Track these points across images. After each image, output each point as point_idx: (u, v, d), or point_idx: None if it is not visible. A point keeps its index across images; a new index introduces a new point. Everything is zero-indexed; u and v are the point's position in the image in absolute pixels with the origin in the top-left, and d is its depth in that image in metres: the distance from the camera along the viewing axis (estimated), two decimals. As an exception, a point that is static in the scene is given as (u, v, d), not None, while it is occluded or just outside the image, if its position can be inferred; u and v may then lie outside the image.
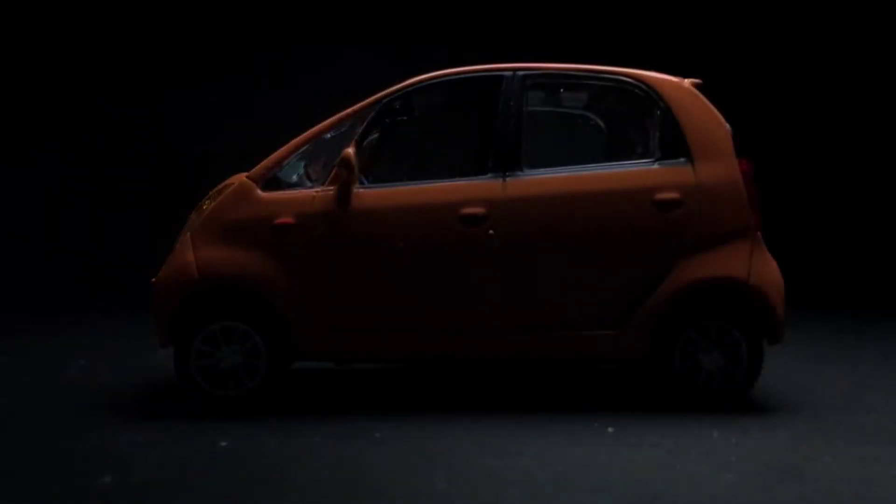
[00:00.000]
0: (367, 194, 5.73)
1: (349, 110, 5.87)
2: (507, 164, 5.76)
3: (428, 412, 5.75)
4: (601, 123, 6.31)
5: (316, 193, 5.73)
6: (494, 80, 5.91)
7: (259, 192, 5.75)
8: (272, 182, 5.78)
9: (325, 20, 11.79)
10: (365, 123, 5.83)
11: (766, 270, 5.75)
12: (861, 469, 4.79)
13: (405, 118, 6.14)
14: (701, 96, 5.87)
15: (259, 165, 5.82)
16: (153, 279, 5.85)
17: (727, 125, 5.84)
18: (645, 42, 11.44)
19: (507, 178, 5.73)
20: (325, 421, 5.57)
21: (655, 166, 5.78)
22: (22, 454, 5.02)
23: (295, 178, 5.88)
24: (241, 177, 5.85)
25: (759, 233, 5.77)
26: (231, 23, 11.73)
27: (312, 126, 5.91)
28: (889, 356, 7.44)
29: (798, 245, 10.12)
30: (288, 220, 5.69)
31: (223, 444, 5.14)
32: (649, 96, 5.86)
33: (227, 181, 5.95)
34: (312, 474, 4.71)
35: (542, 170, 5.78)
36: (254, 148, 6.69)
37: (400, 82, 5.92)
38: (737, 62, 11.81)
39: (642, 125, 5.96)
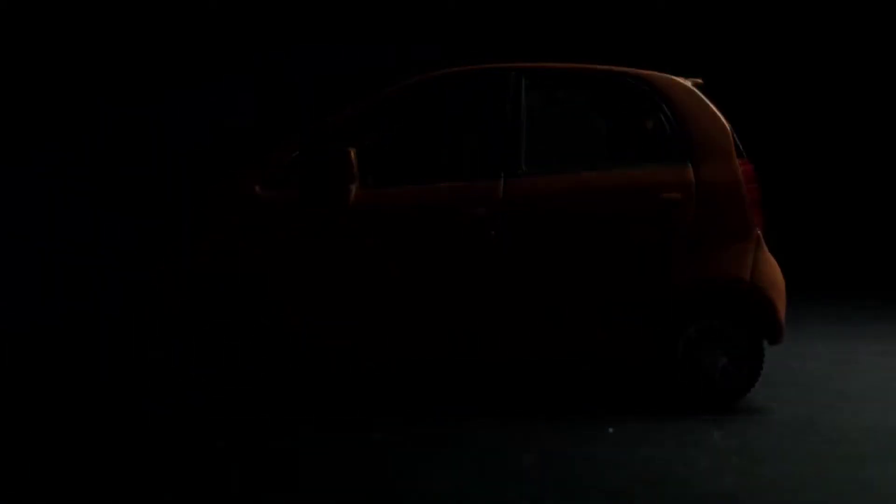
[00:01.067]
0: (368, 193, 5.73)
1: (349, 109, 5.87)
2: (507, 164, 5.76)
3: (428, 413, 5.75)
4: (602, 123, 6.31)
5: (317, 192, 5.72)
6: (495, 78, 5.90)
7: (259, 190, 5.75)
8: (272, 180, 5.78)
9: (324, 20, 11.78)
10: (365, 122, 5.83)
11: (767, 270, 5.74)
12: (862, 469, 4.79)
13: (405, 116, 6.14)
14: (702, 96, 5.87)
15: (259, 164, 5.82)
16: (153, 277, 5.85)
17: (728, 125, 5.84)
18: (645, 42, 11.43)
19: (508, 178, 5.73)
20: (326, 421, 5.57)
21: (656, 166, 5.77)
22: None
23: (296, 176, 5.87)
24: (242, 175, 5.85)
25: (760, 233, 5.76)
26: (231, 22, 11.72)
27: (312, 126, 5.91)
28: (890, 355, 7.44)
29: (798, 245, 10.12)
30: (288, 218, 5.70)
31: (222, 443, 5.14)
32: (650, 96, 5.85)
33: (227, 180, 5.95)
34: (312, 474, 4.70)
35: (542, 169, 5.78)
36: (253, 148, 6.68)
37: (400, 80, 5.92)
38: (737, 62, 11.81)
39: (643, 125, 5.96)
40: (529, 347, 5.74)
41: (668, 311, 5.68)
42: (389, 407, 5.89)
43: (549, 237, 5.68)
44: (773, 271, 5.78)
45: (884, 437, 5.28)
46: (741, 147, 5.85)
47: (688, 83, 5.92)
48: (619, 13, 11.96)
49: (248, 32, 11.71)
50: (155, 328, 5.76)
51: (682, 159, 5.76)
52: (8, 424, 5.56)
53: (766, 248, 5.78)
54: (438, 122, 7.55)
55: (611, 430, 5.38)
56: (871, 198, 12.12)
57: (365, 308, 5.69)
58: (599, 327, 5.69)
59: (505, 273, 5.66)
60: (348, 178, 5.66)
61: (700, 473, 4.71)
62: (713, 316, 5.76)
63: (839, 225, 11.95)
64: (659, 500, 4.39)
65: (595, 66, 5.99)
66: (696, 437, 5.25)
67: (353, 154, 5.66)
